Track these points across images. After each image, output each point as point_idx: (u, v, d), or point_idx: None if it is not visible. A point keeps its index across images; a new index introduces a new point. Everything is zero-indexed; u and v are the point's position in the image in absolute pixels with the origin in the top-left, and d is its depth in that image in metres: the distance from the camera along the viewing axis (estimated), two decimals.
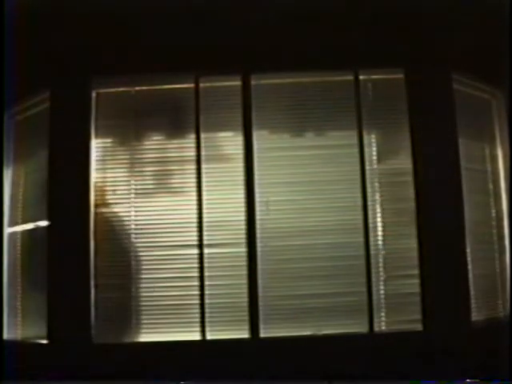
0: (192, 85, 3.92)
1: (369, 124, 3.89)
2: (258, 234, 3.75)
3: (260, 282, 3.70)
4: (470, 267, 3.73)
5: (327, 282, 3.72)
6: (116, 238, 3.81)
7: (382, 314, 3.71)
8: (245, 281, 3.71)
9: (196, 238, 3.76)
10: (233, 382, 3.45)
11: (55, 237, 3.74)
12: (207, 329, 3.67)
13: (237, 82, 3.91)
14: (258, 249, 3.74)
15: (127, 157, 3.90)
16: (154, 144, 3.93)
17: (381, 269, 3.74)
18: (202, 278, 3.72)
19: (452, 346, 3.56)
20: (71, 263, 3.68)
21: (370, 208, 3.78)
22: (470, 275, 3.73)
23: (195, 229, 3.77)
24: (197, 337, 3.67)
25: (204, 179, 3.83)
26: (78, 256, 3.70)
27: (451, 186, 3.76)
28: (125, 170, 3.89)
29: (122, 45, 3.91)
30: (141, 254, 3.78)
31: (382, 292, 3.72)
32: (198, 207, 3.80)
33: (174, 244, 3.78)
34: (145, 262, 3.77)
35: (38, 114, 4.11)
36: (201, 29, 3.85)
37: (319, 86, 3.93)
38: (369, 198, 3.79)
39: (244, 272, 3.72)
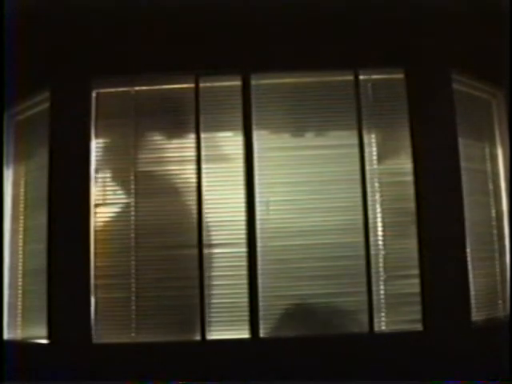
0: (192, 85, 3.92)
1: (369, 124, 3.89)
2: (258, 234, 3.75)
3: (260, 281, 3.70)
4: (470, 267, 3.73)
5: (327, 281, 3.72)
6: (116, 238, 3.81)
7: (382, 314, 3.71)
8: (245, 281, 3.71)
9: (196, 238, 3.76)
10: (233, 382, 3.45)
11: (55, 236, 3.74)
12: (207, 329, 3.68)
13: (237, 82, 3.90)
14: (258, 249, 3.74)
15: (127, 157, 3.90)
16: (154, 144, 3.93)
17: (381, 269, 3.74)
18: (201, 278, 3.72)
19: (452, 345, 3.56)
20: (71, 263, 3.68)
21: (370, 208, 3.78)
22: (470, 275, 3.73)
23: (195, 229, 3.77)
24: (197, 337, 3.68)
25: (204, 179, 3.83)
26: (78, 256, 3.70)
27: (451, 185, 3.75)
28: (125, 169, 3.89)
29: (122, 45, 3.91)
30: (141, 254, 3.78)
31: (381, 292, 3.72)
32: (198, 207, 3.80)
33: (173, 244, 3.78)
34: (145, 262, 3.77)
35: (38, 114, 4.11)
36: (201, 28, 3.85)
37: (319, 86, 3.93)
38: (369, 198, 3.79)
39: (244, 272, 3.72)
